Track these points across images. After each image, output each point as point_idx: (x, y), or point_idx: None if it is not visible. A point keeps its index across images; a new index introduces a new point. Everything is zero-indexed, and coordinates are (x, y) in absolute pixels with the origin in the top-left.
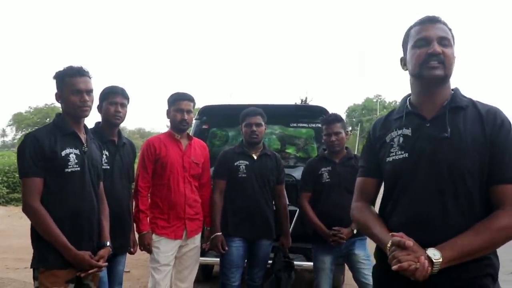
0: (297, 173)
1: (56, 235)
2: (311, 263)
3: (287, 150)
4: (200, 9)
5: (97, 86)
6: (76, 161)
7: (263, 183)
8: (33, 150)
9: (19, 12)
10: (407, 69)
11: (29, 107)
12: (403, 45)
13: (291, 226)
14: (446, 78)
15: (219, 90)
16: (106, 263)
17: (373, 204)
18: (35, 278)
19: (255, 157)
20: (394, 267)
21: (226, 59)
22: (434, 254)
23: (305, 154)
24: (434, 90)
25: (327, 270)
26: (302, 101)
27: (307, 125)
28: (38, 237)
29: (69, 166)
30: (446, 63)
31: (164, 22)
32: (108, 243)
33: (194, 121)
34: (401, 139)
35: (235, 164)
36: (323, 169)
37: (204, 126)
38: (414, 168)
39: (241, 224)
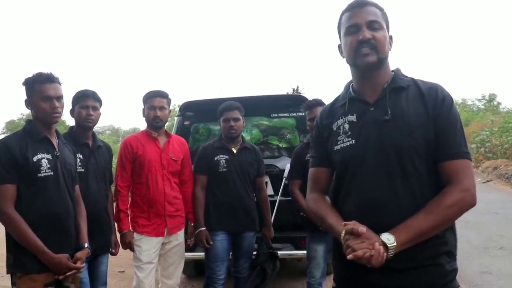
0: (281, 163)
1: (31, 240)
2: (299, 252)
3: (269, 141)
4: (187, 5)
5: (101, 87)
6: (48, 165)
7: (243, 177)
8: (4, 157)
9: (6, 19)
10: (344, 57)
11: (21, 114)
12: (338, 32)
13: (272, 216)
14: (381, 62)
15: (209, 85)
16: (84, 265)
17: (327, 193)
18: (13, 283)
19: (235, 151)
20: (349, 257)
21: (216, 52)
22: (388, 239)
23: (288, 143)
24: (372, 75)
25: (320, 258)
26: (293, 90)
27: (288, 115)
28: (14, 242)
29: (42, 171)
30: (378, 47)
31: (157, 21)
32: (86, 245)
33: (176, 118)
34: (347, 126)
35: (215, 158)
36: (308, 155)
37: (186, 122)
38: (362, 154)
39: (224, 217)
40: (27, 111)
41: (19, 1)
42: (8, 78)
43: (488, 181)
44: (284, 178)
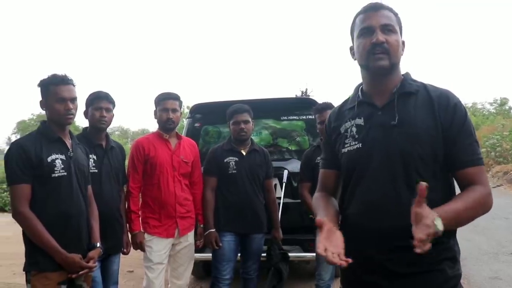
0: (290, 166)
1: (46, 239)
2: (308, 254)
3: (279, 144)
4: (197, 8)
5: (110, 88)
6: (62, 166)
7: (253, 179)
8: (19, 158)
9: (20, 21)
10: (356, 59)
11: (32, 114)
12: (351, 34)
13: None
14: (393, 66)
15: (218, 87)
16: (96, 264)
17: (333, 195)
18: (27, 281)
19: (244, 153)
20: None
21: (225, 55)
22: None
23: (297, 146)
24: (383, 79)
25: None
26: (302, 93)
27: (297, 118)
28: (29, 241)
29: (56, 172)
30: (390, 51)
31: (166, 23)
32: (98, 245)
33: (186, 120)
34: (355, 129)
35: (225, 161)
36: (318, 158)
37: (196, 125)
38: (368, 157)
39: (233, 219)
40: (38, 112)
41: (32, 3)
42: (19, 79)
43: (498, 185)
44: (284, 183)
